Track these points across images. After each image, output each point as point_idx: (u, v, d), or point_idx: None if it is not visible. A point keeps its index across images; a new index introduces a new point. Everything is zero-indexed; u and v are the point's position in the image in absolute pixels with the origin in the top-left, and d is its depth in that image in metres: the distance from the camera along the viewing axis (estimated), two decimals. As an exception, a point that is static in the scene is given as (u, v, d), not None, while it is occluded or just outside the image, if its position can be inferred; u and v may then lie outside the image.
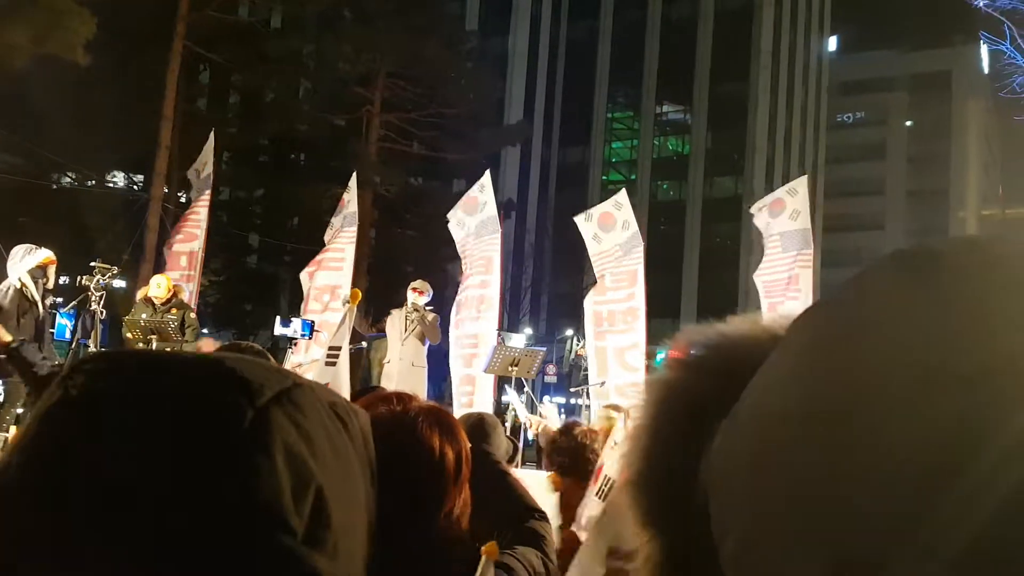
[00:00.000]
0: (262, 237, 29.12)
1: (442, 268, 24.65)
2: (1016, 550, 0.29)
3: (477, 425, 2.39)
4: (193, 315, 8.93)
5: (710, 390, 0.46)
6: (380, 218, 27.04)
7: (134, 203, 21.71)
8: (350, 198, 10.65)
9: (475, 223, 9.89)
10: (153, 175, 20.69)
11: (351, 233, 10.46)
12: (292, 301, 10.55)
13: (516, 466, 4.95)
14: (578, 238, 10.21)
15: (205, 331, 18.37)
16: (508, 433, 5.23)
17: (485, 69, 30.12)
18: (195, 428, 0.47)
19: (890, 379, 0.33)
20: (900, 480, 0.31)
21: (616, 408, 3.86)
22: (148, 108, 20.27)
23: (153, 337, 8.26)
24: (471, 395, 9.20)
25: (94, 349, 8.05)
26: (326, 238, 10.70)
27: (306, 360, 8.74)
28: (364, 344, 10.69)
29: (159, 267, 11.56)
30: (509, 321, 30.80)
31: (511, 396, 8.15)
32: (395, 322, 9.11)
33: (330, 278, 10.27)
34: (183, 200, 18.90)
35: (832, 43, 59.52)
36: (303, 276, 10.54)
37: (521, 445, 5.94)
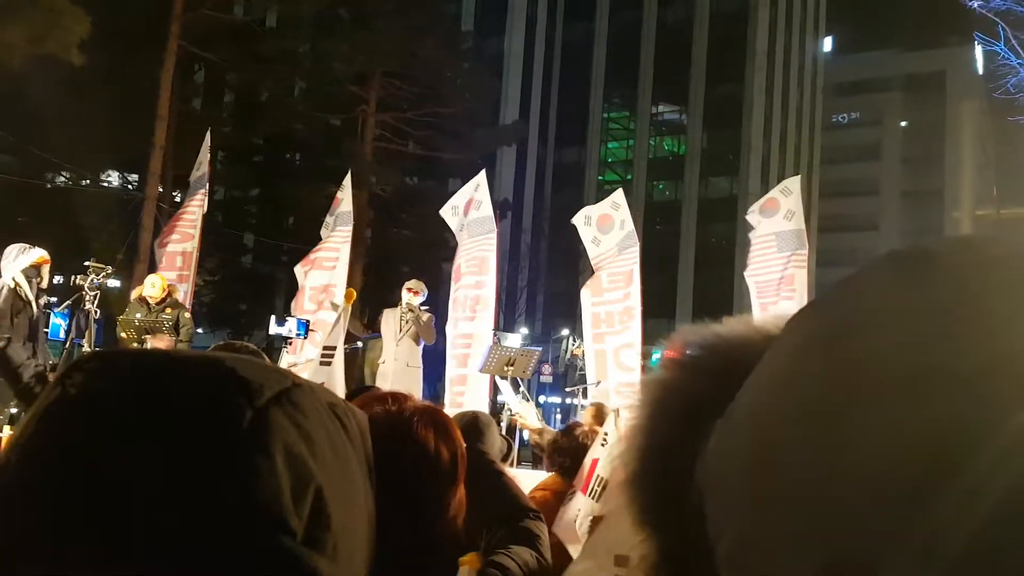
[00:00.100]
0: (257, 237, 29.10)
1: (438, 268, 24.65)
2: (1014, 551, 0.29)
3: (471, 424, 2.39)
4: (188, 315, 8.90)
5: (706, 390, 0.46)
6: (376, 218, 27.03)
7: (129, 202, 21.68)
8: (344, 197, 10.64)
9: (469, 219, 9.88)
10: (148, 174, 20.65)
11: (345, 232, 10.45)
12: (288, 301, 10.53)
13: (512, 465, 4.94)
14: (574, 238, 10.19)
15: (200, 331, 18.35)
16: (504, 432, 5.23)
17: (481, 69, 30.12)
18: (195, 428, 0.47)
19: (885, 379, 0.33)
20: (896, 481, 0.31)
21: (600, 407, 3.84)
22: (143, 107, 20.23)
23: (147, 337, 8.24)
24: (462, 395, 9.19)
25: (88, 349, 8.03)
26: (323, 235, 10.69)
27: (301, 360, 8.71)
28: (359, 344, 10.67)
29: (153, 266, 11.52)
30: (505, 321, 30.80)
31: (506, 395, 8.14)
32: (389, 322, 9.08)
33: (324, 277, 10.25)
34: (178, 200, 18.88)
35: (827, 44, 59.66)
36: (297, 269, 10.53)
37: (516, 444, 5.93)
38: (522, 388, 8.99)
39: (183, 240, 10.95)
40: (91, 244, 17.42)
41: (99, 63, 17.36)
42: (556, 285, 38.20)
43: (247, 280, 29.34)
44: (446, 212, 10.13)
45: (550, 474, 3.72)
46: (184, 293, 10.17)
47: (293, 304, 10.33)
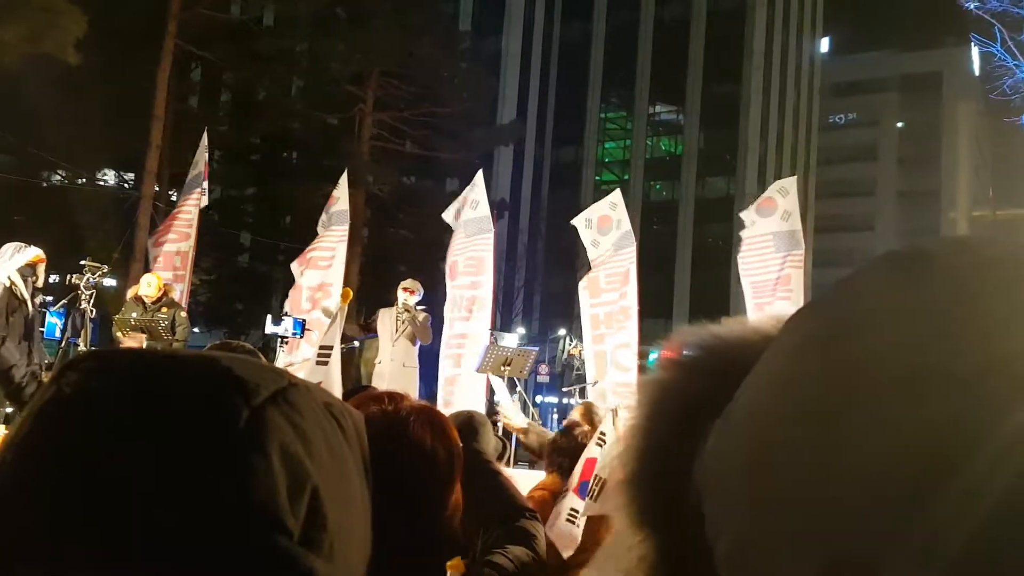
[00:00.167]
0: (254, 236, 29.07)
1: (435, 267, 24.63)
2: (1012, 551, 0.29)
3: (466, 423, 2.38)
4: (184, 314, 8.90)
5: (704, 390, 0.46)
6: (373, 217, 27.02)
7: (125, 201, 21.66)
8: (340, 195, 10.61)
9: (465, 218, 9.87)
10: (144, 173, 20.63)
11: (341, 232, 10.41)
12: (284, 300, 10.52)
13: (508, 465, 4.94)
14: (571, 238, 10.16)
15: (196, 330, 18.32)
16: (500, 432, 5.21)
17: (478, 69, 30.09)
18: (191, 427, 0.47)
19: (883, 379, 0.33)
20: (894, 481, 0.31)
21: (589, 406, 3.82)
22: (139, 106, 20.21)
23: (143, 336, 8.23)
24: (453, 395, 9.17)
25: (84, 348, 8.02)
26: (319, 232, 10.67)
27: (297, 359, 8.70)
28: (356, 344, 10.66)
29: (149, 265, 11.51)
30: (502, 321, 30.81)
31: (500, 394, 8.13)
32: (385, 322, 9.06)
33: (320, 276, 10.23)
34: (174, 199, 18.84)
35: (824, 44, 59.75)
36: (294, 266, 10.51)
37: (513, 444, 5.92)
38: (519, 388, 8.99)
39: (179, 239, 10.93)
40: (87, 243, 17.37)
41: (95, 62, 17.33)
42: (553, 285, 38.20)
43: (243, 279, 29.30)
44: (448, 216, 10.11)
45: (549, 474, 3.71)
46: (180, 292, 10.16)
47: (289, 303, 10.30)
